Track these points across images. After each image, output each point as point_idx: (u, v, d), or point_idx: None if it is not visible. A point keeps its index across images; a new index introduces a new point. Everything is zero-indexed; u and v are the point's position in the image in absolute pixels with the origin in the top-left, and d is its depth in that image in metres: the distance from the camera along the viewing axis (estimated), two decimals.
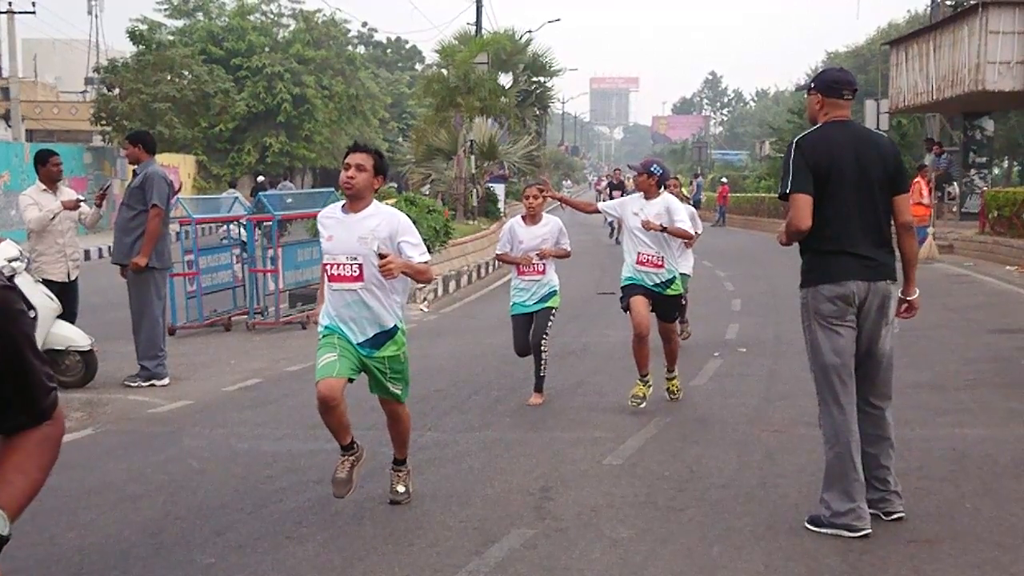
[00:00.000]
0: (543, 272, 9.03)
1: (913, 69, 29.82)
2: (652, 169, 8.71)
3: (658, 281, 8.68)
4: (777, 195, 5.85)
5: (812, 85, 5.75)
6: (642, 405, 8.59)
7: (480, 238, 24.99)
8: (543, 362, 9.03)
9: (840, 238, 5.48)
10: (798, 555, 5.15)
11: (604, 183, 45.60)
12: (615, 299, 17.16)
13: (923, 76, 28.96)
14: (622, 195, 24.56)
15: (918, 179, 22.06)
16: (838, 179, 5.47)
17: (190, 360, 11.69)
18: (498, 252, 9.39)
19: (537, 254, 8.98)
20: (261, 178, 39.31)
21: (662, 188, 8.83)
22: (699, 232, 12.08)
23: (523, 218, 9.21)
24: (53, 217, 10.15)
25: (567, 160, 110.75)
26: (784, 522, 5.65)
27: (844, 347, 5.51)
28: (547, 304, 9.04)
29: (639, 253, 8.67)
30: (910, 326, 12.26)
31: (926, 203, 21.88)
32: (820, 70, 6.16)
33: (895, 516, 5.59)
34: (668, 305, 8.90)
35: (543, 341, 8.97)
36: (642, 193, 8.79)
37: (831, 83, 5.67)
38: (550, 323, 9.05)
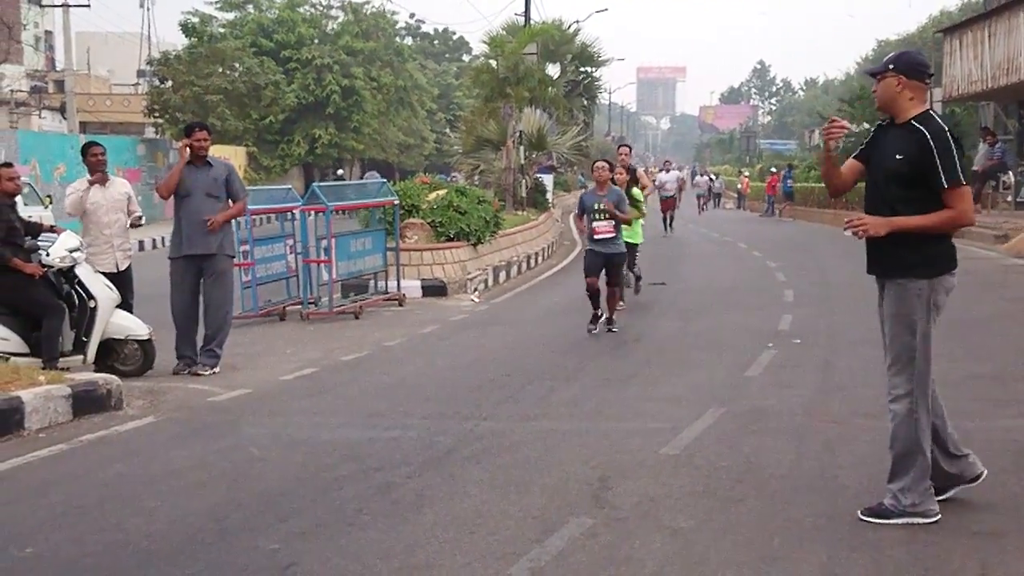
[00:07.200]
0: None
1: (967, 57, 29.42)
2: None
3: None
4: (946, 185, 5.17)
5: (891, 66, 5.34)
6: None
7: (529, 228, 24.95)
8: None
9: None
10: (861, 546, 5.12)
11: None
12: (665, 289, 17.27)
13: (977, 64, 28.57)
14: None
15: None
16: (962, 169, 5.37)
17: (247, 349, 11.82)
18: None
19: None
20: (340, 171, 39.79)
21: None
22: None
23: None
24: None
25: (613, 151, 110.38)
26: (846, 513, 5.61)
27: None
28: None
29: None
30: (967, 317, 12.20)
31: None
32: (898, 53, 5.56)
33: (978, 476, 5.63)
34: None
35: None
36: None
37: (916, 65, 5.31)
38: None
